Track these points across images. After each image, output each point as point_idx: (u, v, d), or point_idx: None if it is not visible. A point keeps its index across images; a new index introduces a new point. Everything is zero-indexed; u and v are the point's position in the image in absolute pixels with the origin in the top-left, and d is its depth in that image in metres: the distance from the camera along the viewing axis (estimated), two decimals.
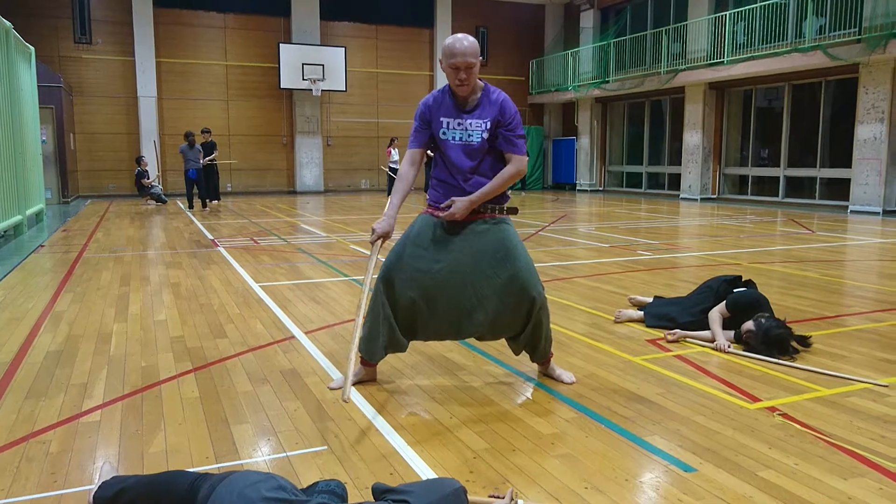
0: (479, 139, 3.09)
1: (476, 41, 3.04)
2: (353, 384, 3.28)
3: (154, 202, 15.56)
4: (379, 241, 3.14)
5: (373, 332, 3.20)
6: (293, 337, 4.22)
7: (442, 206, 3.14)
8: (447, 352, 3.86)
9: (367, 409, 2.99)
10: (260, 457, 2.54)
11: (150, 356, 3.82)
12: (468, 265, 3.11)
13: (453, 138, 3.10)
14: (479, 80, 3.12)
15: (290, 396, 3.16)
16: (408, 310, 3.16)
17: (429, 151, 3.27)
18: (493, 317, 3.16)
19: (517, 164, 3.12)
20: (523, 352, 3.36)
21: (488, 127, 3.09)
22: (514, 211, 3.25)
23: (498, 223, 3.17)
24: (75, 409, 3.01)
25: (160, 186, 15.86)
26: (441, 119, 3.12)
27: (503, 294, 3.12)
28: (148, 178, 15.69)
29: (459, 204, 3.06)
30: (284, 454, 2.55)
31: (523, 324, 3.21)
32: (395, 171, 17.78)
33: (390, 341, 3.21)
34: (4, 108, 9.07)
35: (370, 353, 3.24)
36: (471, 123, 3.09)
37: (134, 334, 4.29)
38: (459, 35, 3.03)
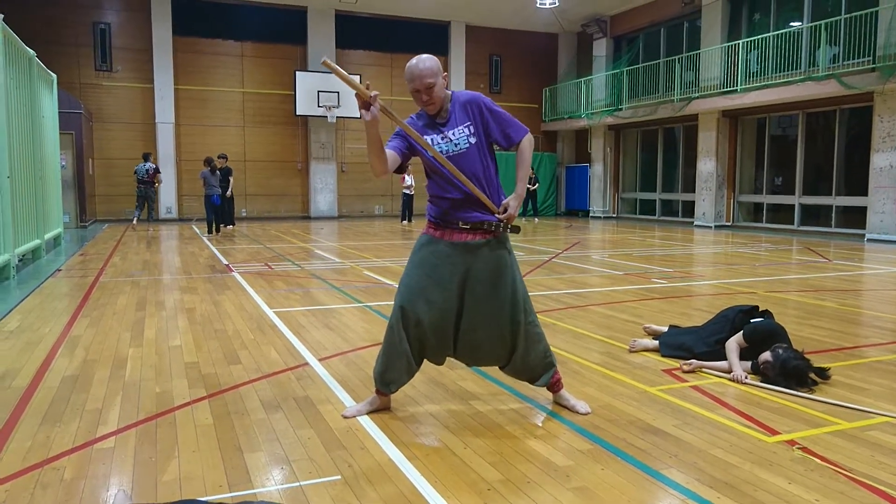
0: (467, 144, 3.07)
1: (435, 59, 3.03)
2: (368, 413, 3.27)
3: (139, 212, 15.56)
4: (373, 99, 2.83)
5: (389, 365, 3.19)
6: (307, 364, 4.22)
7: (501, 217, 3.11)
8: (461, 380, 3.84)
9: (381, 438, 2.98)
10: (273, 486, 2.53)
11: (165, 382, 3.83)
12: (466, 289, 3.12)
13: (440, 152, 3.08)
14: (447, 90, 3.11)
15: (304, 424, 3.15)
16: (420, 340, 3.17)
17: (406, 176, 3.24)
18: (481, 342, 3.16)
19: (527, 140, 3.15)
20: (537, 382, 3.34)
21: (472, 130, 3.09)
22: (516, 230, 3.24)
23: (497, 247, 3.15)
24: (90, 436, 3.01)
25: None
26: (425, 137, 3.09)
27: (492, 320, 3.13)
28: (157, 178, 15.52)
29: (513, 203, 3.11)
30: (297, 483, 2.54)
31: (509, 353, 3.21)
32: (409, 196, 17.88)
33: (407, 373, 3.22)
34: (26, 134, 9.24)
35: (386, 385, 3.23)
36: (454, 133, 3.08)
37: (149, 360, 4.31)
38: (419, 56, 3.02)
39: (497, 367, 3.37)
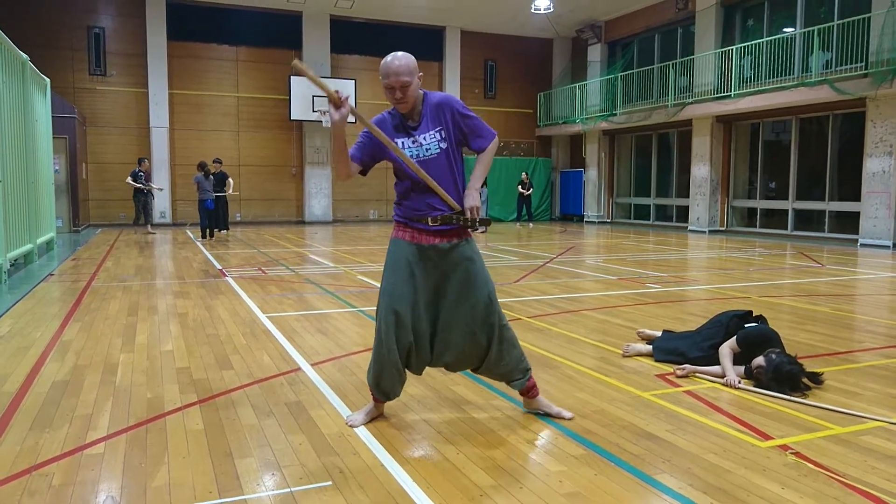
0: (438, 149, 3.05)
1: (412, 58, 3.00)
2: (370, 421, 3.24)
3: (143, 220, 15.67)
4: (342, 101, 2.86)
5: (382, 375, 3.15)
6: (299, 369, 4.20)
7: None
8: (454, 385, 3.82)
9: (373, 444, 2.96)
10: (264, 492, 2.51)
11: (156, 387, 3.80)
12: (439, 292, 3.11)
13: (410, 156, 3.05)
14: (420, 90, 3.08)
15: (296, 430, 3.13)
16: (408, 348, 3.13)
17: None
18: (455, 345, 3.14)
19: (493, 143, 3.14)
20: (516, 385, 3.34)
21: (443, 136, 3.06)
22: (486, 222, 3.21)
23: (465, 250, 3.13)
24: (79, 441, 2.99)
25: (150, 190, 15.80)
26: (395, 141, 3.05)
27: (464, 322, 3.11)
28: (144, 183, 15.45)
29: (472, 198, 3.07)
30: (288, 489, 2.52)
31: (482, 356, 3.18)
32: None
33: (399, 382, 3.20)
34: (19, 139, 9.20)
35: (382, 395, 3.22)
36: (424, 138, 3.05)
37: (140, 365, 4.28)
38: (395, 54, 2.99)
39: (448, 369, 3.33)
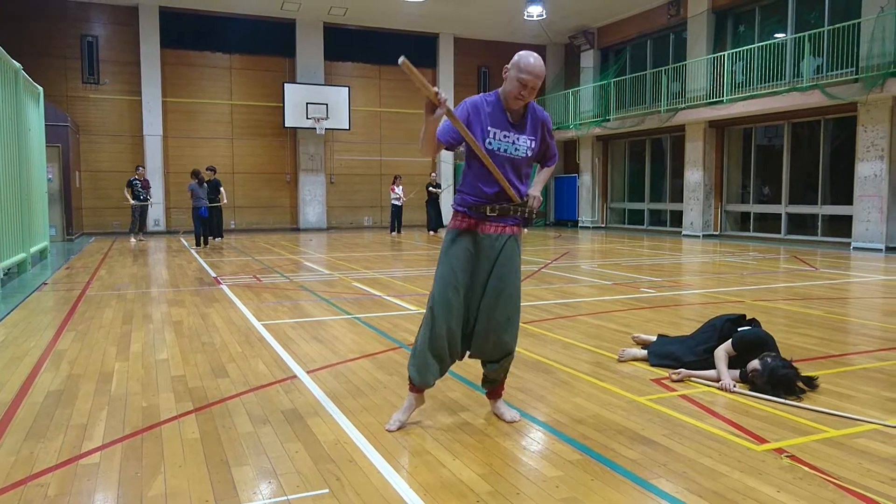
0: (524, 154, 3.22)
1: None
2: (406, 420, 3.29)
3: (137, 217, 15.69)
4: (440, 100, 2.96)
5: (428, 362, 3.22)
6: (295, 376, 4.19)
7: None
8: (449, 391, 3.83)
9: (370, 451, 2.96)
10: (260, 500, 2.50)
11: (151, 396, 3.79)
12: (485, 282, 3.22)
13: (498, 149, 3.16)
14: None
15: (292, 438, 3.13)
16: (455, 337, 3.22)
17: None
18: (485, 333, 3.23)
19: (553, 165, 3.50)
20: (499, 388, 3.44)
21: (533, 145, 3.24)
22: (542, 215, 3.38)
23: (515, 243, 3.27)
24: (75, 451, 2.98)
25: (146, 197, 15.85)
26: (488, 129, 3.17)
27: (498, 312, 3.20)
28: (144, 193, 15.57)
29: (536, 199, 3.30)
30: (285, 497, 2.51)
31: (492, 340, 3.26)
32: (398, 207, 17.87)
33: (442, 370, 3.28)
34: (12, 147, 9.18)
35: (423, 382, 3.26)
36: (518, 138, 3.20)
37: (135, 373, 4.27)
38: (536, 55, 3.15)
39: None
